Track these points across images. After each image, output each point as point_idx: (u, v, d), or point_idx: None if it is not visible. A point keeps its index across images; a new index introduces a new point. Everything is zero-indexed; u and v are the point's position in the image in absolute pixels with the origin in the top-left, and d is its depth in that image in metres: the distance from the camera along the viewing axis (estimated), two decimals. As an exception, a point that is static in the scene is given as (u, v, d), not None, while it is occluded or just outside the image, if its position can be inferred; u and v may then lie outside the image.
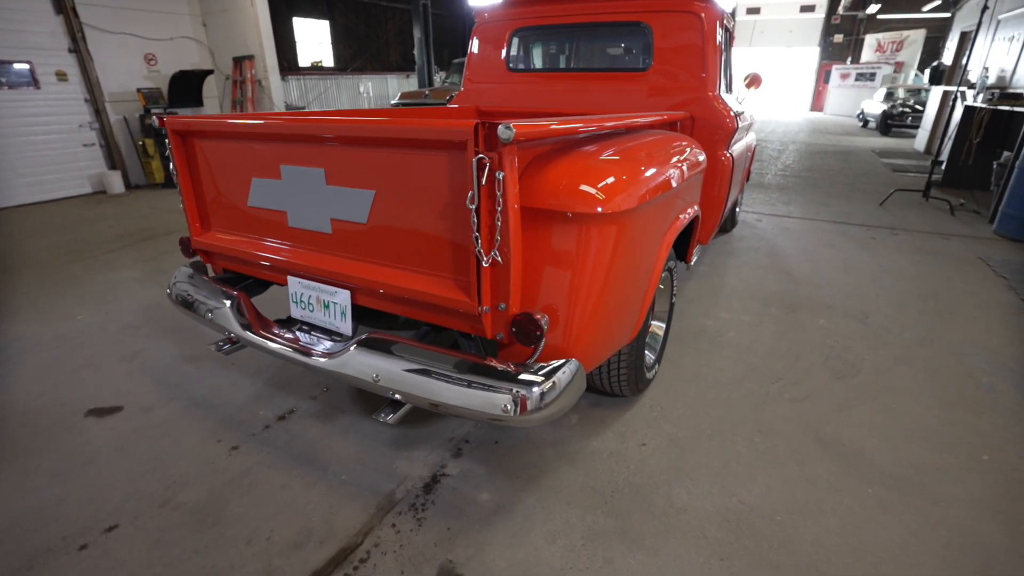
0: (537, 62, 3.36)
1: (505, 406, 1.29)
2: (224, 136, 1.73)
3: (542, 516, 1.66)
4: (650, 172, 1.58)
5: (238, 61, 7.91)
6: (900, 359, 2.58)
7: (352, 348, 1.51)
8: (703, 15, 2.76)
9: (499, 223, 1.26)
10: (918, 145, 9.97)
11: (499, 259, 1.30)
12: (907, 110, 12.11)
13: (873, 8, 17.17)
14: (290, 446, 2.01)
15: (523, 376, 1.33)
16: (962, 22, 9.80)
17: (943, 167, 6.64)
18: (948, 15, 12.48)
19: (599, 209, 1.35)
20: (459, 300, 1.36)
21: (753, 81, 3.51)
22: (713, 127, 2.82)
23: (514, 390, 1.31)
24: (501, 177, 1.20)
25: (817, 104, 21.07)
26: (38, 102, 6.34)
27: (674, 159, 1.87)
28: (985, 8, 4.57)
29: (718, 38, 2.84)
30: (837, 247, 4.29)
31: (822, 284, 3.52)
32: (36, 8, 6.21)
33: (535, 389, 1.29)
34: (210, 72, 7.79)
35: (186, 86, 7.65)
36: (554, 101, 3.15)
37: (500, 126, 1.13)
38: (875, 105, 13.55)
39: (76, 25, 6.56)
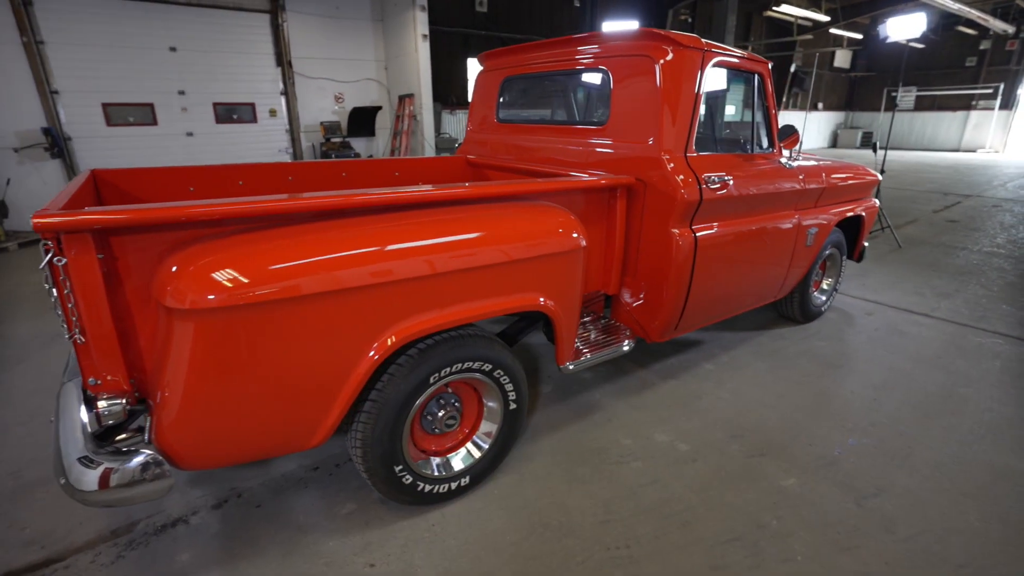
0: (520, 114, 3.14)
1: (61, 479, 1.29)
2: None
3: (193, 607, 1.57)
4: (317, 261, 1.38)
5: (402, 98, 9.16)
6: (856, 579, 1.66)
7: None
8: (659, 59, 2.24)
9: (71, 304, 1.26)
10: None
11: (80, 338, 1.30)
12: None
13: None
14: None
15: (88, 455, 1.31)
16: None
17: None
18: None
19: (208, 299, 1.27)
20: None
21: (789, 140, 2.68)
22: (662, 196, 2.26)
23: (85, 463, 1.30)
24: (62, 264, 1.22)
25: None
26: (254, 132, 8.36)
27: (433, 242, 1.57)
28: None
29: (691, 85, 2.27)
30: (954, 373, 2.92)
31: (862, 426, 2.45)
32: (264, 63, 8.23)
33: (82, 469, 1.26)
34: (379, 108, 9.20)
35: (361, 119, 9.19)
36: (531, 154, 2.91)
37: (35, 215, 1.16)
38: None
39: (289, 74, 8.47)
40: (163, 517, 1.91)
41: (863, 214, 3.56)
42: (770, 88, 2.69)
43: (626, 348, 2.41)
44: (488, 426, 2.00)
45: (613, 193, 2.32)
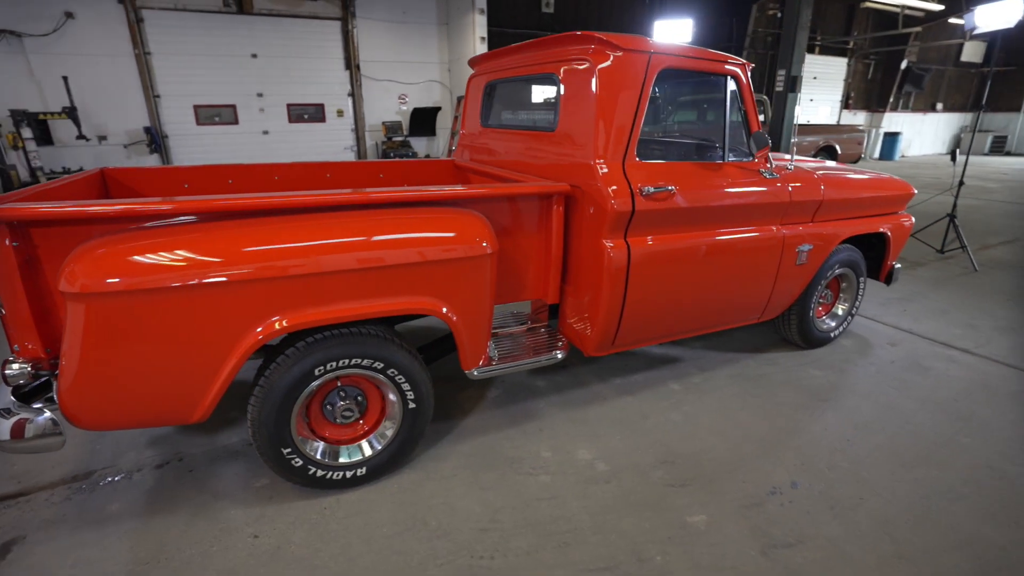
0: (498, 118, 3.16)
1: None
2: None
3: (115, 544, 1.80)
4: (200, 255, 1.55)
5: (460, 99, 9.43)
6: (720, 630, 1.53)
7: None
8: (598, 63, 2.18)
9: (-9, 282, 1.53)
10: None
11: (2, 311, 1.56)
12: None
13: None
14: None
15: (9, 407, 1.57)
16: None
17: None
18: None
19: (87, 286, 1.47)
20: (12, 336, 1.68)
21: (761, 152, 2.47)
22: (593, 204, 2.21)
23: (2, 414, 1.56)
24: (-28, 248, 1.48)
25: None
26: (322, 131, 9.06)
27: (304, 244, 1.67)
28: None
29: (632, 90, 2.19)
30: (965, 420, 2.52)
31: (817, 468, 2.22)
32: (334, 67, 8.88)
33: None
34: (439, 109, 9.55)
35: (422, 119, 9.60)
36: (504, 159, 2.94)
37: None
38: None
39: (356, 77, 9.07)
40: (114, 471, 2.20)
41: (886, 232, 3.16)
42: (748, 91, 2.49)
43: (560, 356, 2.38)
44: (389, 423, 2.08)
45: (550, 200, 2.29)
